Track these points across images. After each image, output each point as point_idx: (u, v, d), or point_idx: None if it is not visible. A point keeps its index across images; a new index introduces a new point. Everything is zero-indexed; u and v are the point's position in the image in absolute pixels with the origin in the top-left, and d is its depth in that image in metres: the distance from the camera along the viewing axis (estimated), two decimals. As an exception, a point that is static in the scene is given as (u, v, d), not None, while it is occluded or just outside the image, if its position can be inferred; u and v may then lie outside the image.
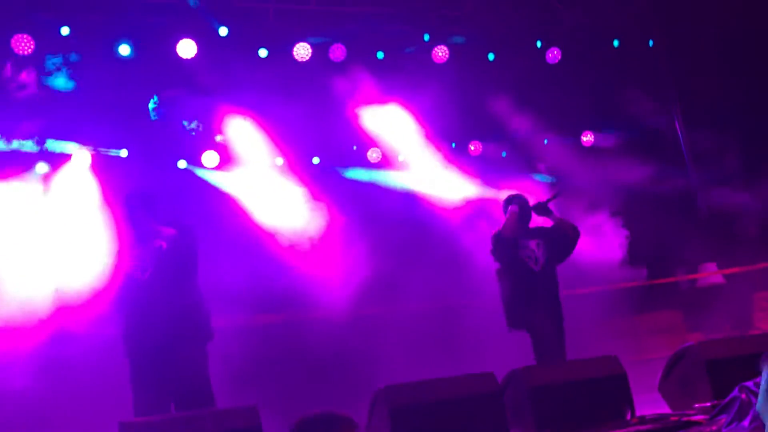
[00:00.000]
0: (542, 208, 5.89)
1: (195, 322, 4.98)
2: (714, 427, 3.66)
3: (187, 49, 7.52)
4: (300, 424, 2.32)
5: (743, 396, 3.58)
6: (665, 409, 4.74)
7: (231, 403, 4.65)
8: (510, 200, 5.87)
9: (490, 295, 6.17)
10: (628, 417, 4.41)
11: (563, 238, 5.81)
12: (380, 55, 8.55)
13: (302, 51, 8.04)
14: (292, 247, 7.45)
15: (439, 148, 8.63)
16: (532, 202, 5.92)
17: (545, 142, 9.43)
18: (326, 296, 7.23)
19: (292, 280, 7.27)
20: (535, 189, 8.01)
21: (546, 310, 5.64)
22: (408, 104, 8.34)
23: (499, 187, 8.11)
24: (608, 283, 8.35)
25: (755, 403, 3.48)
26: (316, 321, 7.29)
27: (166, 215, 5.19)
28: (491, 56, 9.09)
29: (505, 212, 5.86)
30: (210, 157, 7.74)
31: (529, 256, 5.71)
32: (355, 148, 8.53)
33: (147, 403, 4.78)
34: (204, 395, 4.89)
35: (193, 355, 4.91)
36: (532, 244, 5.75)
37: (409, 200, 8.31)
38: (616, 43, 9.48)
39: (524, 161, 9.16)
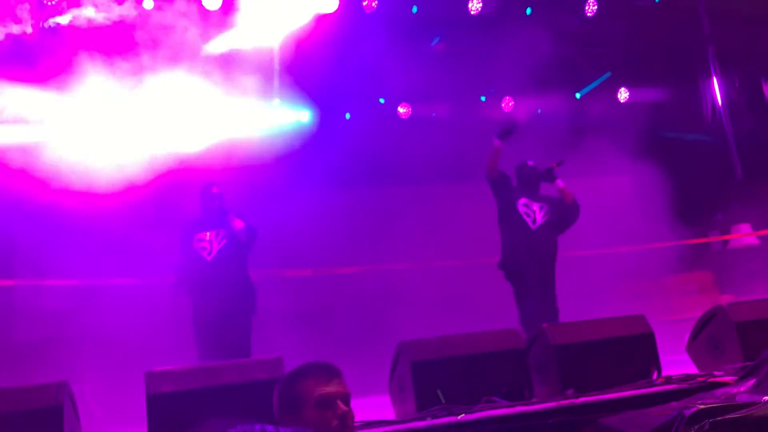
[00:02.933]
0: (548, 175, 6.14)
1: (245, 301, 5.68)
2: (742, 389, 3.59)
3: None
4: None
5: (774, 358, 3.50)
6: (693, 370, 4.68)
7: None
8: (519, 166, 6.20)
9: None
10: (654, 377, 4.36)
11: (565, 208, 6.10)
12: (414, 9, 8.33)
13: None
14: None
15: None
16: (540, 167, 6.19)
17: (577, 96, 9.24)
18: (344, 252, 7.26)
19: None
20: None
21: (539, 271, 5.89)
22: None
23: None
24: (639, 242, 8.24)
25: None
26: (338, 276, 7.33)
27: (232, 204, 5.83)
28: (528, 10, 8.85)
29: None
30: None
31: (527, 213, 6.03)
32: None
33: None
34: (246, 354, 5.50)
35: (241, 329, 5.61)
36: (535, 206, 6.08)
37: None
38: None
39: (561, 117, 9.02)
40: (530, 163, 6.22)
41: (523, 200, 6.09)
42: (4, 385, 3.71)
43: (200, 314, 5.61)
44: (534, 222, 6.04)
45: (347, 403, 2.31)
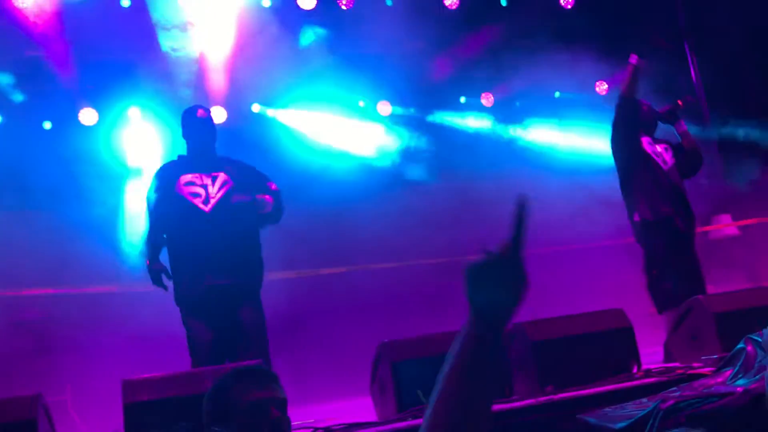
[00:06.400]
0: (670, 115, 5.30)
1: (257, 273, 4.52)
2: (719, 379, 3.60)
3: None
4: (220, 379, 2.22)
5: (749, 348, 3.53)
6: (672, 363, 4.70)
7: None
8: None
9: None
10: (635, 370, 4.38)
11: (688, 155, 5.35)
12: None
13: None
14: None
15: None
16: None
17: (556, 95, 9.23)
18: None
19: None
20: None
21: (680, 213, 5.23)
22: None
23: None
24: (618, 236, 8.25)
25: (760, 356, 3.43)
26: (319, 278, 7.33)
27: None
28: (504, 2, 8.81)
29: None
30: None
31: (656, 153, 5.29)
32: None
33: (198, 358, 4.38)
34: (260, 350, 4.38)
35: (256, 304, 4.48)
36: (660, 147, 5.34)
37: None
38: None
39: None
40: (645, 101, 5.37)
41: (647, 138, 5.27)
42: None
43: (193, 284, 4.30)
44: (665, 163, 5.24)
45: (283, 408, 2.11)
